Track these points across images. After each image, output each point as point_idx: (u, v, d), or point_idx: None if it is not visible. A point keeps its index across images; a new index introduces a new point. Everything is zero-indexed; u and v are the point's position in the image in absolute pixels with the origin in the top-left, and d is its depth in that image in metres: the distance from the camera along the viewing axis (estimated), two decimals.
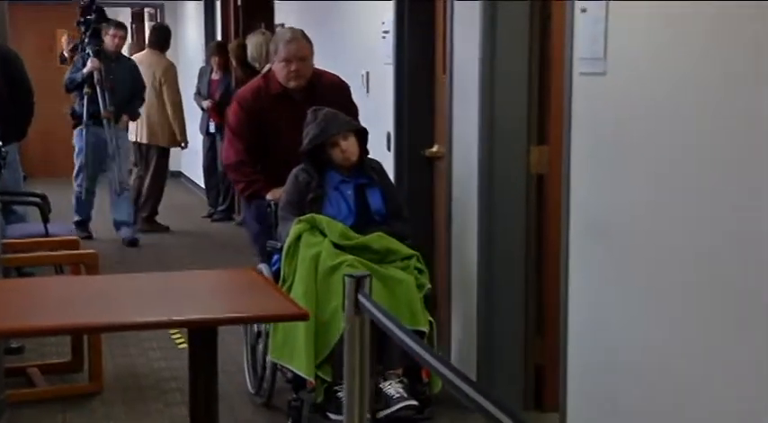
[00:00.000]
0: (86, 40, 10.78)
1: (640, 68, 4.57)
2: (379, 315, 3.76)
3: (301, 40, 6.70)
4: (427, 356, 3.62)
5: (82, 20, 10.69)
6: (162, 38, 13.62)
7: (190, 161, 17.01)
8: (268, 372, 6.06)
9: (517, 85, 6.20)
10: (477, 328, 6.45)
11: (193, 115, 14.26)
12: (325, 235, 5.80)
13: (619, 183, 4.78)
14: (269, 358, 5.91)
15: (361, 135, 6.25)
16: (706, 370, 4.10)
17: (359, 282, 3.74)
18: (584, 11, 5.01)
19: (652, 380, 4.46)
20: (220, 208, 13.86)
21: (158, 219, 13.03)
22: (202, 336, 4.73)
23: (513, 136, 6.18)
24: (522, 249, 6.28)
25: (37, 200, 8.41)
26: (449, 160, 6.86)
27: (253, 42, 11.74)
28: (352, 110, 6.77)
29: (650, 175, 4.48)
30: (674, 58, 4.31)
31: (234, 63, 12.81)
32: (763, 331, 3.76)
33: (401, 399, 5.38)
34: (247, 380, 6.61)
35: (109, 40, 10.99)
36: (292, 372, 5.64)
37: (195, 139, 14.52)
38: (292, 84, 6.67)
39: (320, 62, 9.23)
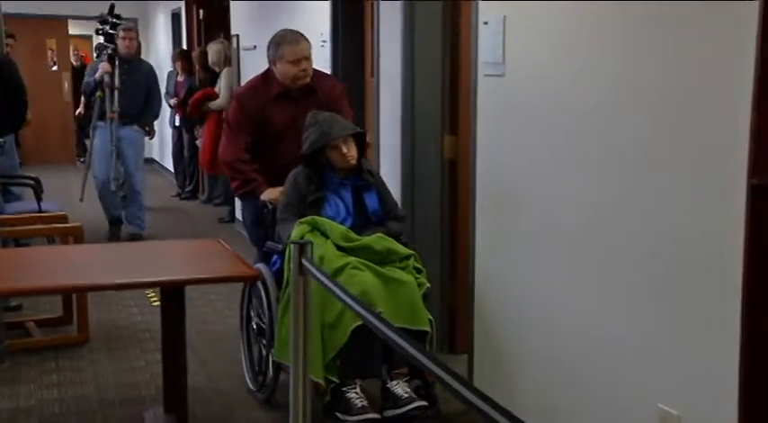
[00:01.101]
0: (102, 46, 10.15)
1: (532, 71, 4.67)
2: (320, 276, 3.78)
3: (304, 40, 5.86)
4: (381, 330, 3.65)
5: (100, 29, 10.04)
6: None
7: (161, 149, 16.97)
8: (271, 370, 5.28)
9: (432, 84, 6.22)
10: None
11: (163, 111, 14.10)
12: (326, 237, 5.04)
13: (514, 165, 4.89)
14: (273, 358, 5.13)
15: (360, 138, 5.43)
16: (603, 314, 4.18)
17: (302, 248, 3.76)
18: (486, 23, 5.07)
19: (553, 326, 4.57)
20: (187, 189, 13.83)
21: None
22: (172, 294, 4.82)
23: (429, 127, 6.23)
24: (438, 220, 6.33)
25: (31, 182, 8.36)
26: (376, 149, 6.90)
27: (213, 50, 11.80)
28: (346, 110, 5.91)
29: (539, 158, 4.62)
30: (560, 62, 4.40)
31: (197, 67, 12.81)
32: (644, 274, 3.88)
33: (411, 399, 4.70)
34: (246, 377, 5.71)
35: (120, 43, 9.95)
36: None
37: (166, 131, 14.51)
38: (299, 83, 5.79)
39: (264, 62, 9.23)
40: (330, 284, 3.77)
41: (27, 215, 7.39)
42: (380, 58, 6.76)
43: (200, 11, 13.90)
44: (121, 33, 9.94)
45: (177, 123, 13.79)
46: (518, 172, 4.84)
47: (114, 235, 10.47)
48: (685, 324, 3.66)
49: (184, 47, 14.30)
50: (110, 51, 9.77)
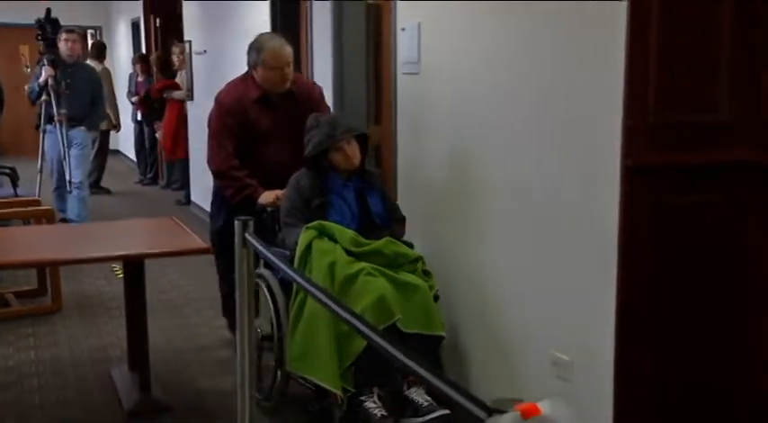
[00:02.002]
0: (44, 52, 8.98)
1: (444, 69, 4.70)
2: (260, 248, 3.78)
3: (288, 46, 5.13)
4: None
5: (39, 34, 9.00)
6: (100, 51, 13.44)
7: (124, 141, 16.84)
8: (280, 380, 4.47)
9: (359, 80, 6.23)
10: None
11: (125, 109, 14.32)
12: (334, 241, 4.38)
13: (429, 150, 4.93)
14: (287, 369, 4.34)
15: (362, 139, 4.72)
16: (508, 275, 4.27)
17: (245, 223, 3.75)
18: (403, 29, 5.08)
19: (469, 286, 4.64)
20: (148, 176, 13.78)
21: (102, 184, 12.83)
22: (133, 267, 4.82)
23: (357, 118, 6.18)
24: None
25: (8, 171, 8.39)
26: None
27: (176, 53, 11.68)
28: (324, 109, 5.33)
29: (450, 145, 4.67)
30: (466, 62, 4.45)
31: (155, 69, 12.75)
32: (542, 239, 3.96)
33: (432, 407, 4.15)
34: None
35: (63, 45, 8.89)
36: (313, 382, 4.20)
37: (129, 125, 14.43)
38: (280, 88, 5.11)
39: (220, 67, 9.18)
40: (269, 255, 3.77)
41: (5, 200, 7.36)
42: (314, 57, 6.75)
43: (157, 19, 13.83)
44: (64, 35, 9.01)
45: (139, 118, 13.72)
46: (433, 157, 4.87)
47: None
48: (573, 280, 3.73)
49: (143, 52, 14.22)
50: (52, 56, 8.87)
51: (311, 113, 4.81)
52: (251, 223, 3.82)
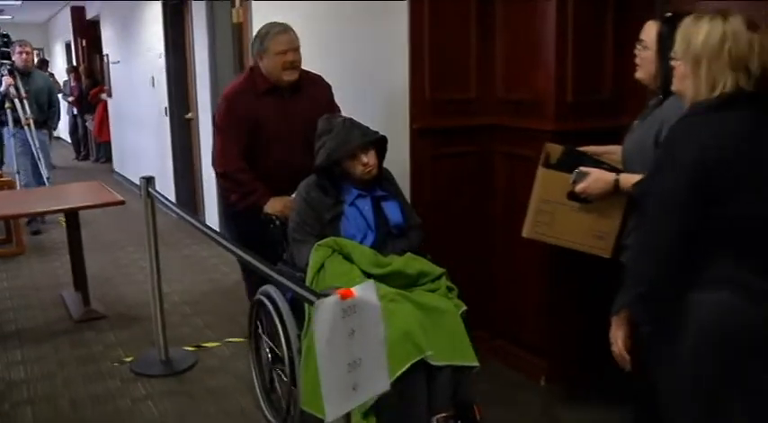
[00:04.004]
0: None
1: None
2: (163, 199, 3.72)
3: (292, 31, 3.59)
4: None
5: None
6: (43, 63, 13.30)
7: (61, 130, 16.21)
8: (294, 410, 2.91)
9: (228, 67, 6.06)
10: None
11: (63, 105, 13.61)
12: (350, 261, 2.91)
13: None
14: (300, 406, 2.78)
15: (379, 144, 3.14)
16: None
17: (148, 180, 3.71)
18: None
19: None
20: (82, 153, 13.32)
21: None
22: (72, 217, 4.74)
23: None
24: None
25: None
26: (196, 120, 6.78)
27: (97, 65, 11.42)
28: (333, 107, 3.68)
29: None
30: (306, 54, 4.43)
31: (83, 77, 12.47)
32: None
33: None
34: (262, 405, 3.27)
35: (18, 57, 7.48)
36: None
37: (64, 117, 13.93)
38: (287, 77, 3.51)
39: (129, 72, 8.92)
40: (174, 208, 3.71)
41: None
42: (195, 53, 6.56)
43: (83, 40, 13.35)
44: (18, 48, 7.58)
45: (75, 112, 13.21)
46: None
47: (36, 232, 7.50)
48: None
49: (74, 64, 13.77)
50: (9, 66, 7.47)
51: (321, 111, 3.35)
52: (154, 180, 3.77)
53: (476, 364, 2.73)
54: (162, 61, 7.33)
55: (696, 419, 1.86)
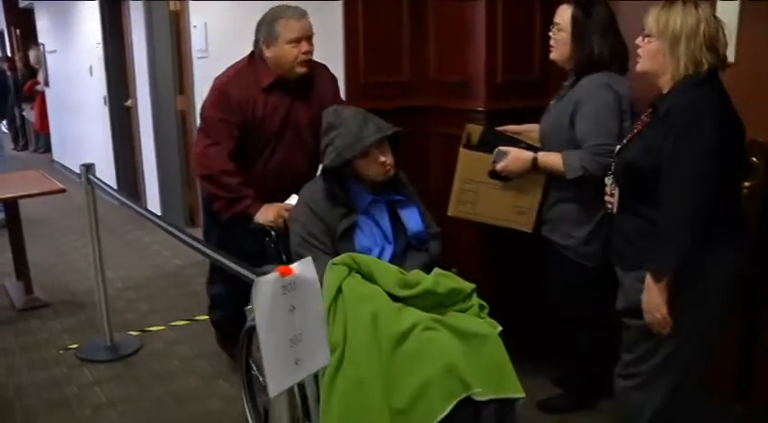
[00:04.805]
0: None
1: (223, 53, 4.61)
2: (104, 186, 3.67)
3: (307, 16, 2.94)
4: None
5: None
6: None
7: None
8: None
9: (167, 61, 5.99)
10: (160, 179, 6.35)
11: None
12: (369, 279, 2.36)
13: None
14: None
15: (393, 140, 2.60)
16: None
17: (88, 167, 3.64)
18: (195, 26, 4.99)
19: None
20: (21, 144, 12.97)
21: None
22: (11, 206, 4.64)
23: (166, 90, 6.04)
24: (176, 146, 6.13)
25: None
26: (136, 108, 6.68)
27: (33, 54, 11.00)
28: (339, 101, 3.09)
29: None
30: (241, 47, 4.40)
31: (19, 65, 12.14)
32: None
33: None
34: None
35: None
36: None
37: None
38: (300, 70, 2.91)
39: (66, 60, 8.71)
40: (116, 194, 3.66)
41: None
42: (133, 41, 6.44)
43: (17, 29, 12.95)
44: None
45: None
46: None
47: None
48: None
49: (9, 54, 13.39)
50: None
51: (327, 105, 2.79)
52: (94, 166, 3.72)
53: (522, 395, 2.26)
54: (100, 50, 7.18)
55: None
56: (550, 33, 2.72)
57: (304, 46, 2.89)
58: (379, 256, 2.50)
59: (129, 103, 6.94)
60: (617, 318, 2.35)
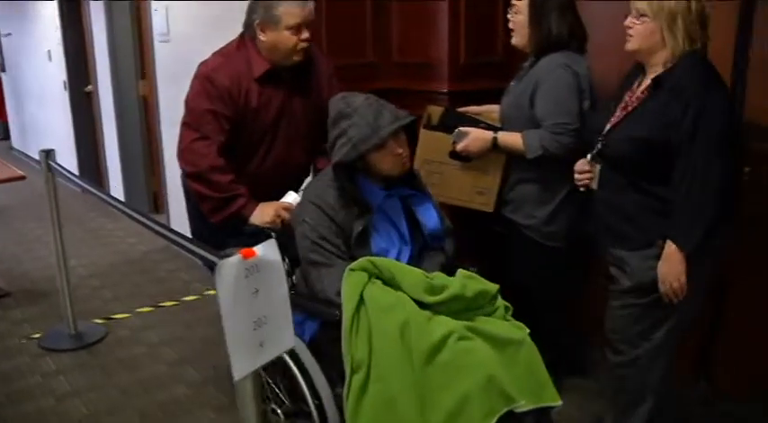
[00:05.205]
0: None
1: (184, 37, 4.58)
2: (65, 172, 3.63)
3: (311, 1, 2.63)
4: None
5: None
6: None
7: None
8: None
9: (128, 46, 5.90)
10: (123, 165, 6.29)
11: None
12: (390, 285, 2.12)
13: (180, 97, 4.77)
14: None
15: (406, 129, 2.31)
16: None
17: (48, 153, 3.58)
18: (156, 10, 4.92)
19: None
20: None
21: None
22: None
23: (128, 75, 5.96)
24: (139, 132, 6.06)
25: None
26: (97, 93, 6.58)
27: None
28: (334, 88, 2.74)
29: None
30: (200, 31, 4.36)
31: None
32: None
33: None
34: None
35: None
36: None
37: None
38: (297, 58, 2.61)
39: (22, 44, 8.52)
40: (78, 181, 3.61)
41: None
42: (93, 25, 6.32)
43: None
44: None
45: None
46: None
47: None
48: None
49: None
50: None
51: (324, 95, 2.64)
52: (54, 152, 3.65)
53: (560, 402, 2.11)
54: (58, 34, 7.04)
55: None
56: (509, 16, 2.72)
57: (305, 33, 2.59)
58: (397, 259, 2.25)
59: (89, 88, 6.83)
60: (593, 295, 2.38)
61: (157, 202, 6.03)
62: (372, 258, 2.13)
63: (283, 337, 1.81)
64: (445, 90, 3.19)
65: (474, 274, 2.23)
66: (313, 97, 2.72)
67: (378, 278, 2.12)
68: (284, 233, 2.37)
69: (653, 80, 2.16)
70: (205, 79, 2.63)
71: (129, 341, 3.75)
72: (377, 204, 2.27)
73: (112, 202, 3.17)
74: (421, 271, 2.15)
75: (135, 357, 3.56)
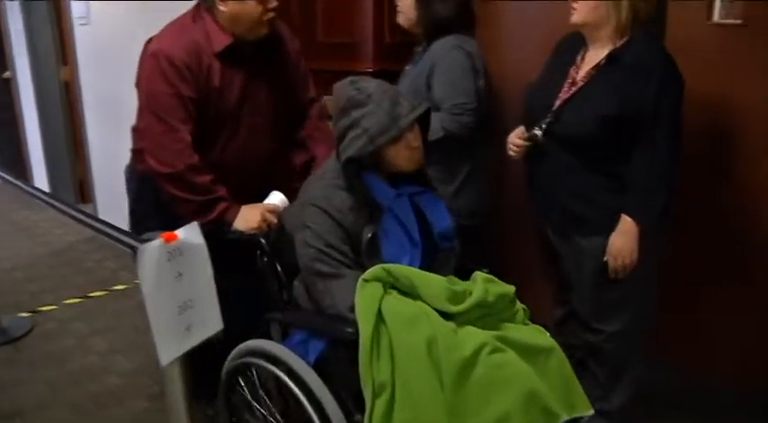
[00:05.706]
0: None
1: (106, 21, 4.47)
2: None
3: None
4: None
5: None
6: None
7: None
8: None
9: (46, 31, 5.74)
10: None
11: None
12: (409, 294, 1.86)
13: (104, 79, 4.68)
14: None
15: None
16: None
17: None
18: None
19: None
20: None
21: None
22: None
23: (47, 60, 5.80)
24: (62, 119, 5.88)
25: None
26: (15, 80, 6.37)
27: None
28: (302, 67, 2.57)
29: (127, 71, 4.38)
30: (128, 17, 4.27)
31: None
32: None
33: None
34: None
35: None
36: None
37: None
38: (259, 32, 2.27)
39: None
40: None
41: None
42: (8, 8, 6.10)
43: None
44: None
45: None
46: (112, 84, 4.55)
47: None
48: None
49: None
50: None
51: (291, 75, 2.47)
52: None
53: (592, 411, 1.92)
54: None
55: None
56: None
57: (271, 2, 2.26)
58: (409, 265, 1.97)
59: (7, 74, 6.61)
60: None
61: (84, 192, 5.89)
62: (386, 266, 1.88)
63: (211, 320, 1.82)
64: (370, 70, 3.19)
65: (492, 277, 2.01)
66: (280, 79, 2.42)
67: (393, 287, 1.88)
68: (279, 238, 2.13)
69: (608, 56, 2.13)
70: (160, 57, 2.22)
71: (58, 333, 3.67)
72: (387, 204, 1.98)
73: (37, 193, 3.09)
74: (441, 277, 1.92)
75: (64, 350, 3.49)
